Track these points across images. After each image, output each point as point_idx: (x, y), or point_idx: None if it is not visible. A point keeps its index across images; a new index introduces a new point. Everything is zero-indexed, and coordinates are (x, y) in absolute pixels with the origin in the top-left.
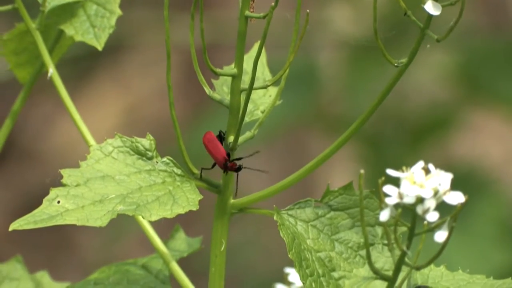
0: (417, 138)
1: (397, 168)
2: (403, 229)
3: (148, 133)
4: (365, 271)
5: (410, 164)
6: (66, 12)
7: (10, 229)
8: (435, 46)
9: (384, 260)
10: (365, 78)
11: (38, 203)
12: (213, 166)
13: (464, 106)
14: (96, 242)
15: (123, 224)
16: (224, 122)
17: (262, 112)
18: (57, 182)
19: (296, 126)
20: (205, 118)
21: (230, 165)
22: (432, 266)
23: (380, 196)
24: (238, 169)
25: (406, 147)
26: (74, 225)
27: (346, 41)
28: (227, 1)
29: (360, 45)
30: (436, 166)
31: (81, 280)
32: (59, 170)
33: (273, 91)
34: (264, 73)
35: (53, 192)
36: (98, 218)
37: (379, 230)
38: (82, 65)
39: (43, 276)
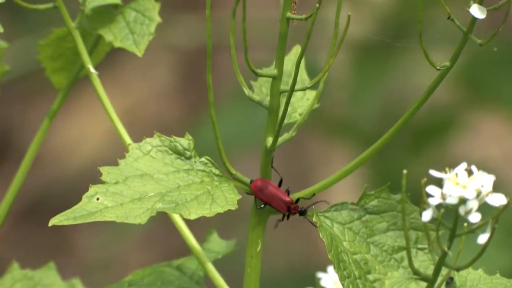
0: (418, 139)
1: (398, 169)
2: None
3: (187, 133)
4: (399, 274)
5: (411, 165)
6: (104, 18)
7: (50, 224)
8: (435, 48)
9: (418, 264)
10: (367, 79)
11: (37, 204)
12: (264, 206)
13: (464, 108)
14: (95, 243)
15: (121, 225)
16: (222, 122)
17: (300, 115)
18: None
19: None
20: (203, 118)
21: (293, 208)
22: (470, 269)
23: (423, 197)
24: (303, 212)
25: (407, 148)
26: (72, 226)
27: (347, 41)
28: (220, 2)
29: (362, 46)
30: (436, 168)
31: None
32: (98, 167)
33: (310, 94)
34: (302, 77)
35: (92, 189)
36: (138, 215)
37: (413, 235)
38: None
39: (76, 283)
